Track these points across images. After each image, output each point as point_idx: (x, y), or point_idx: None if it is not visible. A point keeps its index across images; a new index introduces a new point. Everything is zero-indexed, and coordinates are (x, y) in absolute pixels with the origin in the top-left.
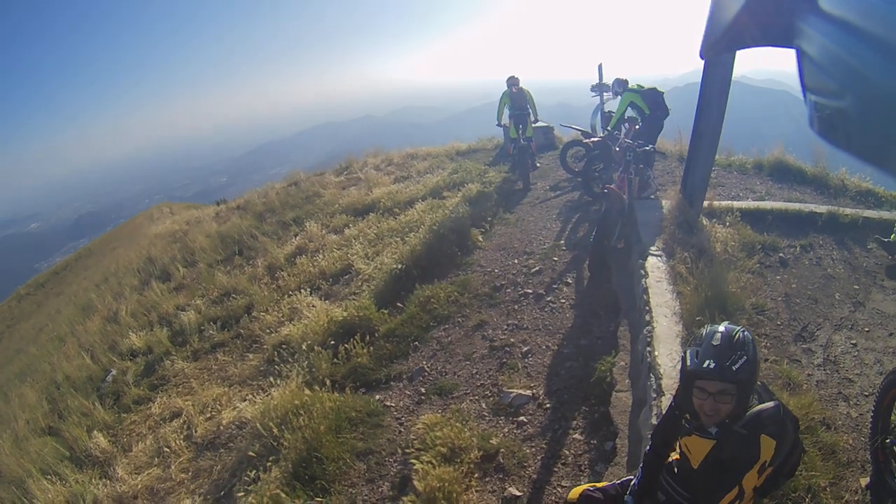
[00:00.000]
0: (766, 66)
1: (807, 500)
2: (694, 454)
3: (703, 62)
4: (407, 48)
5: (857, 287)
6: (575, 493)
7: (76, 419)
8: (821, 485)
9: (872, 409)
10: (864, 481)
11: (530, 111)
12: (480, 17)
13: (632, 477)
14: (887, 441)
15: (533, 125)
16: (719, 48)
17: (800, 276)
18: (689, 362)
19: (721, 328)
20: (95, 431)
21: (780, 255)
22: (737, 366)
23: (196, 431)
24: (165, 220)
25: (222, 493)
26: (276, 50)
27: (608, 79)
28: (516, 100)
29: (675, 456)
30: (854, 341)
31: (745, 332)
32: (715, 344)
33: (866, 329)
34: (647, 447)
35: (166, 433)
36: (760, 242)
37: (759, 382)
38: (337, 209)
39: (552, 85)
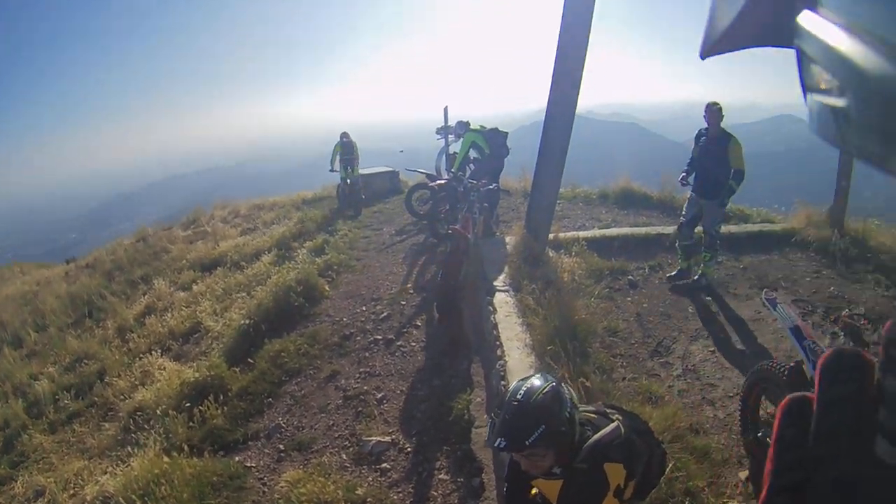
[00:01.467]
0: (611, 100)
1: (686, 502)
2: (550, 496)
3: (545, 100)
4: (257, 96)
5: (709, 298)
6: None
7: None
8: (699, 486)
9: (739, 408)
10: (744, 475)
11: (356, 157)
12: (331, 62)
13: None
14: (759, 435)
15: (371, 170)
16: (720, 48)
17: (650, 295)
18: (486, 436)
19: (520, 393)
20: None
21: (630, 277)
22: (531, 439)
23: None
24: (16, 281)
25: None
26: (120, 99)
27: (453, 120)
28: (346, 148)
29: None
30: (712, 349)
31: (547, 393)
32: (507, 417)
33: (722, 336)
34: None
35: None
36: (609, 268)
37: (592, 412)
38: (184, 265)
39: (397, 130)
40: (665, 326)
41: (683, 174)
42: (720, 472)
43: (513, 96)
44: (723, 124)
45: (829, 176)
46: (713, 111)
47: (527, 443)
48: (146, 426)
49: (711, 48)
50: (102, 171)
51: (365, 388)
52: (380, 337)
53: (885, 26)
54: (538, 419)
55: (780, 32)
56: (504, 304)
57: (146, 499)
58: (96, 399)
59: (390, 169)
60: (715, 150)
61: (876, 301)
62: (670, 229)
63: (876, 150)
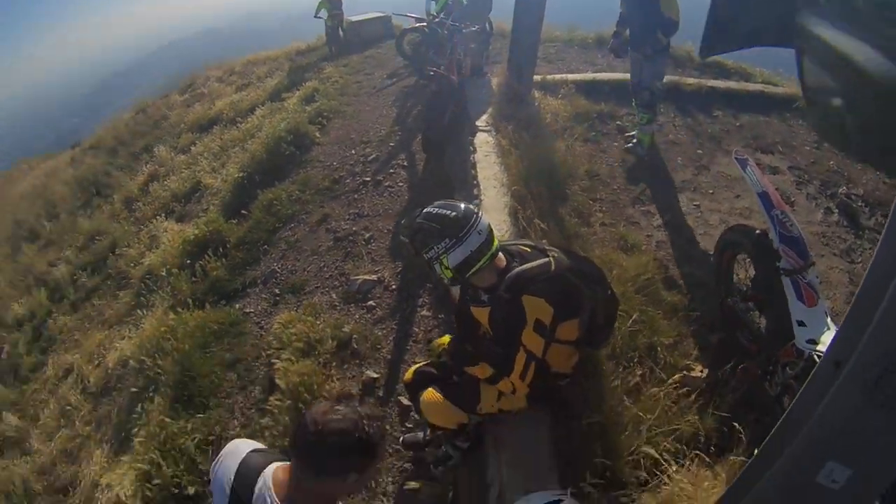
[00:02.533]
0: None
1: (648, 358)
2: (484, 322)
3: None
4: None
5: (700, 152)
6: (409, 373)
7: None
8: (663, 342)
9: (713, 269)
10: (715, 339)
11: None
12: None
13: None
14: (729, 301)
15: (364, 16)
16: (720, 48)
17: (651, 138)
18: None
19: (441, 210)
20: (4, 413)
21: (618, 123)
22: (425, 252)
23: (90, 381)
24: (26, 178)
25: (123, 433)
26: None
27: None
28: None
29: None
30: (697, 203)
31: (457, 203)
32: (440, 225)
33: (710, 191)
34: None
35: (65, 392)
36: (597, 111)
37: (528, 246)
38: (183, 129)
39: None
40: (651, 175)
41: (613, 38)
42: (693, 332)
43: None
44: None
45: None
46: None
47: (423, 254)
48: (155, 287)
49: (711, 48)
50: (95, 56)
51: (354, 228)
52: (368, 178)
53: (884, 26)
54: (419, 232)
55: (780, 32)
56: (484, 143)
57: (157, 355)
58: (111, 271)
59: (383, 14)
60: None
61: (877, 185)
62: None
63: (874, 149)
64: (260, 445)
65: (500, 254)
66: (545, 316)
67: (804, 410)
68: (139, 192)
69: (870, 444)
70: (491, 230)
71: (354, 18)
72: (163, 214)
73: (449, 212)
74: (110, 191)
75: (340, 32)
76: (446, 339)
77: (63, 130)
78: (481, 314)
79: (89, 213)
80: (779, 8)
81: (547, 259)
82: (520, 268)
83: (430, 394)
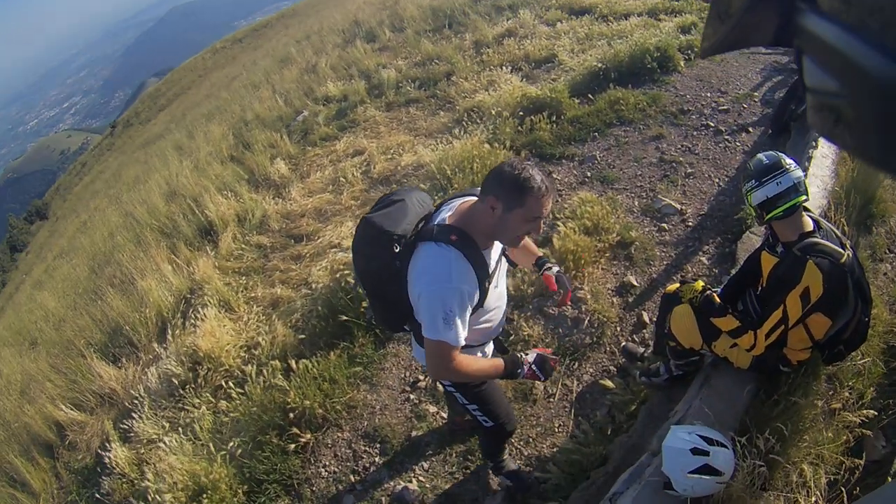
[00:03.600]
0: None
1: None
2: (765, 270)
3: None
4: None
5: None
6: (673, 287)
7: (261, 149)
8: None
9: None
10: None
11: None
12: None
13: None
14: None
15: None
16: (720, 48)
17: None
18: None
19: (761, 155)
20: (278, 160)
21: None
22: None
23: (374, 168)
24: None
25: None
26: None
27: None
28: None
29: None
30: None
31: (779, 156)
32: (753, 168)
33: None
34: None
35: (346, 167)
36: None
37: (832, 230)
38: (553, 4)
39: None
40: None
41: None
42: None
43: None
44: None
45: None
46: None
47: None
48: (478, 120)
49: (711, 48)
50: None
51: (680, 159)
52: (712, 124)
53: (885, 26)
54: (745, 178)
55: (780, 32)
56: (826, 144)
57: (455, 171)
58: (438, 93)
59: None
60: None
61: None
62: None
63: (875, 150)
64: None
65: (808, 218)
66: (815, 290)
67: None
68: (492, 41)
69: None
70: (796, 188)
71: None
72: (509, 67)
73: (764, 159)
74: (463, 29)
75: None
76: (699, 284)
77: None
78: (768, 262)
79: (435, 38)
80: (779, 8)
81: (845, 252)
82: (820, 240)
83: (685, 307)
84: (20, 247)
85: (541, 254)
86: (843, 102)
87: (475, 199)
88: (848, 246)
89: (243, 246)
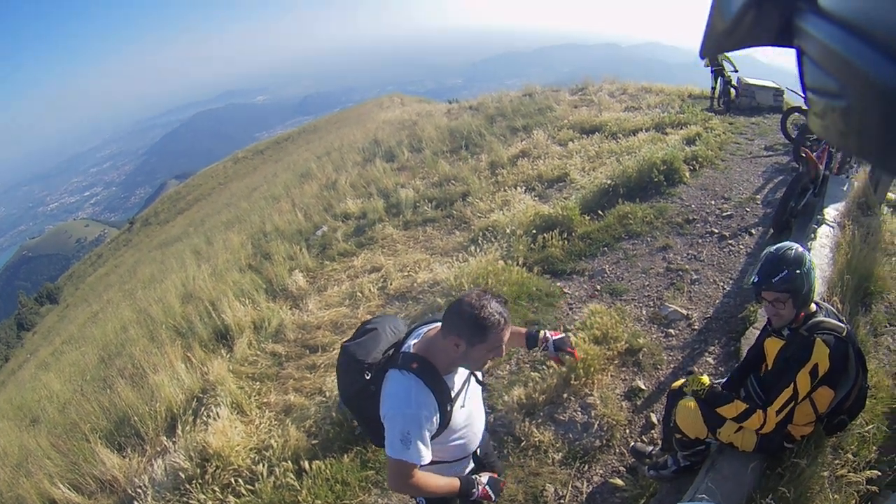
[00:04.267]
0: None
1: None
2: (769, 354)
3: None
4: None
5: None
6: (679, 382)
7: (280, 260)
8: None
9: None
10: None
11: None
12: None
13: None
14: None
15: (762, 84)
16: (720, 48)
17: None
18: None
19: (773, 248)
20: (296, 272)
21: None
22: (776, 278)
23: (391, 285)
24: (395, 109)
25: None
26: None
27: None
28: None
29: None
30: None
31: (796, 251)
32: (762, 264)
33: None
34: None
35: (362, 282)
36: None
37: (834, 314)
38: (565, 124)
39: None
40: None
41: None
42: None
43: None
44: None
45: None
46: None
47: (773, 280)
48: (493, 239)
49: (711, 48)
50: (494, 28)
51: (686, 266)
52: (716, 231)
53: (885, 26)
54: (783, 265)
55: (780, 32)
56: (824, 236)
57: (471, 286)
58: (454, 213)
59: (777, 86)
60: None
61: None
62: None
63: (876, 151)
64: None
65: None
66: (823, 365)
67: None
68: (507, 162)
69: None
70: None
71: (751, 80)
72: (523, 187)
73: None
74: (478, 150)
75: (732, 90)
76: (705, 379)
77: (443, 85)
78: (774, 345)
79: (452, 160)
80: (779, 8)
81: (844, 326)
82: (824, 318)
83: (688, 401)
84: (27, 326)
85: (524, 330)
86: (843, 104)
87: (440, 324)
88: (845, 321)
89: (258, 352)
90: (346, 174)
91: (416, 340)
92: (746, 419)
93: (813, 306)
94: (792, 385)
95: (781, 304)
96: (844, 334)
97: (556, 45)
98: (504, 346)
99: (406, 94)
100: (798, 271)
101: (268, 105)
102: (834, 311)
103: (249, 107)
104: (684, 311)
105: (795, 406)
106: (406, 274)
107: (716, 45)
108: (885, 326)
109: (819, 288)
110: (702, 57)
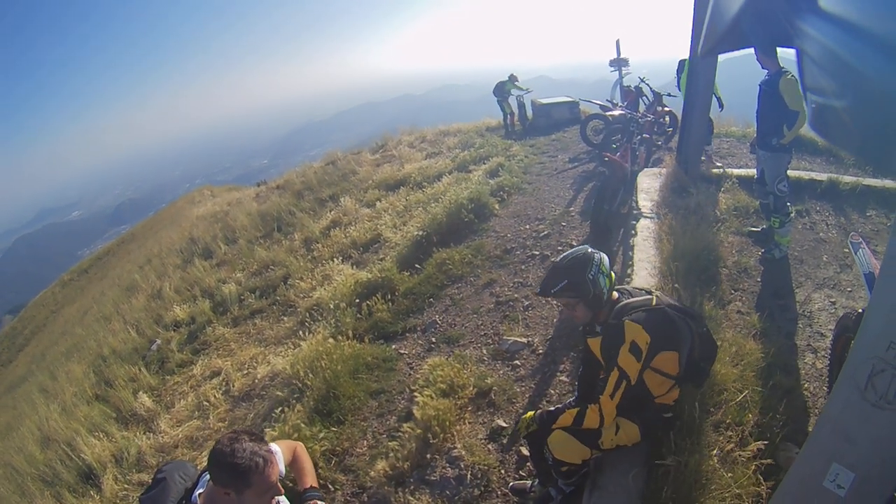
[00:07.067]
0: None
1: (755, 432)
2: (597, 353)
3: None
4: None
5: (846, 250)
6: (528, 418)
7: (122, 384)
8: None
9: (829, 357)
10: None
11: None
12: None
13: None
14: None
15: (555, 101)
16: (720, 48)
17: (790, 238)
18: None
19: (559, 258)
20: (141, 393)
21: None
22: (555, 289)
23: (233, 386)
24: (207, 203)
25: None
26: (312, 31)
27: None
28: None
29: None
30: (833, 300)
31: (579, 258)
32: (546, 273)
33: (849, 289)
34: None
35: (206, 390)
36: (755, 207)
37: (639, 290)
38: (370, 185)
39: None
40: (795, 271)
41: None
42: (801, 416)
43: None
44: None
45: None
46: None
47: (552, 291)
48: (320, 318)
49: (711, 48)
50: (294, 101)
51: (516, 295)
52: (537, 253)
53: (884, 26)
54: (563, 275)
55: (781, 32)
56: (645, 228)
57: (308, 372)
58: (278, 298)
59: (571, 99)
60: (767, 91)
61: None
62: (823, 176)
63: (875, 149)
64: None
65: (615, 292)
66: (641, 340)
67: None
68: (320, 235)
69: (870, 445)
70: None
71: (545, 101)
72: (339, 258)
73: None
74: (291, 229)
75: (527, 113)
76: (528, 414)
77: (250, 168)
78: (596, 344)
79: (268, 244)
80: (779, 8)
81: (650, 296)
82: (626, 301)
83: (559, 433)
84: None
85: (309, 485)
86: (842, 102)
87: None
88: (651, 292)
89: (126, 486)
90: (169, 279)
91: (201, 490)
92: (584, 419)
93: (615, 294)
94: (616, 368)
95: (573, 307)
96: (654, 303)
97: (352, 108)
98: (277, 485)
99: (215, 184)
100: (578, 279)
101: (85, 219)
102: (638, 289)
103: (67, 224)
104: (524, 340)
105: (630, 385)
106: (246, 372)
107: (716, 45)
108: (731, 293)
109: (651, 280)
110: (702, 57)
